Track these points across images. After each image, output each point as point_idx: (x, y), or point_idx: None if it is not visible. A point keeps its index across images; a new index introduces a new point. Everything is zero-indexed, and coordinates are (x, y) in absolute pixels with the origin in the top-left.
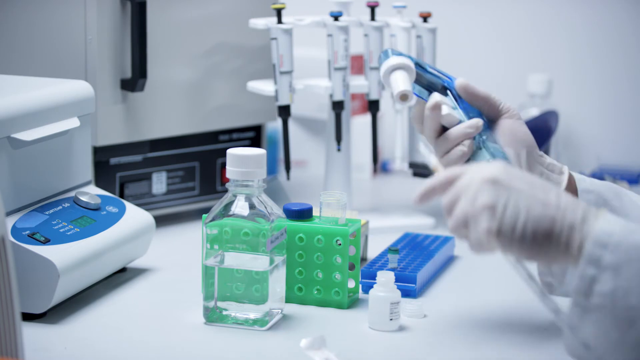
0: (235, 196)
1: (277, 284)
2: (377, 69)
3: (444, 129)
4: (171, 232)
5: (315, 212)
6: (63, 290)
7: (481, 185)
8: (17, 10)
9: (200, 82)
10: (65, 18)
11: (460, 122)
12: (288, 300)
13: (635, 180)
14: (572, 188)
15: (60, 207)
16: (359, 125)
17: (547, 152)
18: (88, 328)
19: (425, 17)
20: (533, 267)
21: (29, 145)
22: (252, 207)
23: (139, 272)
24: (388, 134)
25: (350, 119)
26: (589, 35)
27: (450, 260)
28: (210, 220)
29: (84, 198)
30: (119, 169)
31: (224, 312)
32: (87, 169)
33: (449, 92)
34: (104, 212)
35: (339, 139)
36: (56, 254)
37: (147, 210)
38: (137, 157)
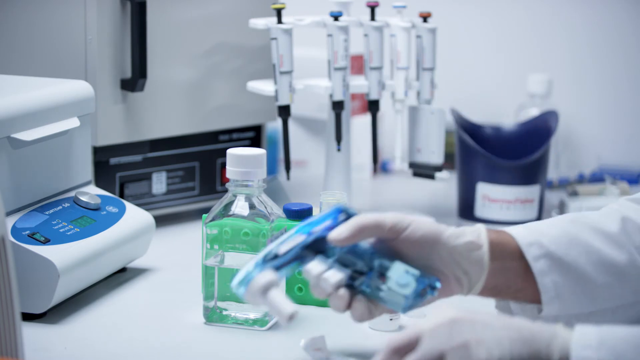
0: (235, 196)
1: None
2: (377, 69)
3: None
4: (171, 232)
5: (315, 212)
6: (63, 290)
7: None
8: (17, 10)
9: (200, 82)
10: (65, 18)
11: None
12: None
13: (635, 180)
14: (505, 248)
15: (60, 207)
16: (359, 125)
17: (547, 152)
18: (88, 328)
19: (425, 17)
20: None
21: (29, 145)
22: (252, 207)
23: (139, 272)
24: (388, 134)
25: (350, 119)
26: (589, 35)
27: None
28: (210, 220)
29: (84, 198)
30: (119, 169)
31: (224, 312)
32: (87, 169)
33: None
34: (104, 212)
35: (339, 139)
36: (56, 254)
37: (147, 210)
38: (137, 157)
